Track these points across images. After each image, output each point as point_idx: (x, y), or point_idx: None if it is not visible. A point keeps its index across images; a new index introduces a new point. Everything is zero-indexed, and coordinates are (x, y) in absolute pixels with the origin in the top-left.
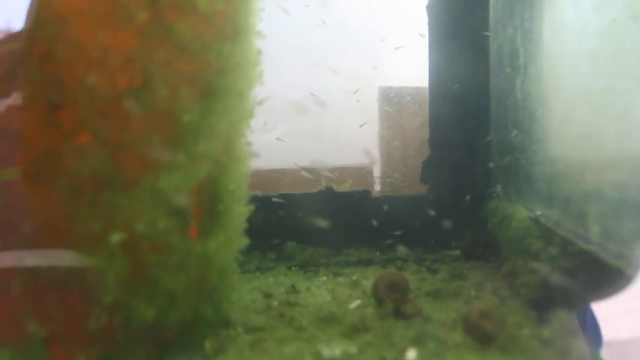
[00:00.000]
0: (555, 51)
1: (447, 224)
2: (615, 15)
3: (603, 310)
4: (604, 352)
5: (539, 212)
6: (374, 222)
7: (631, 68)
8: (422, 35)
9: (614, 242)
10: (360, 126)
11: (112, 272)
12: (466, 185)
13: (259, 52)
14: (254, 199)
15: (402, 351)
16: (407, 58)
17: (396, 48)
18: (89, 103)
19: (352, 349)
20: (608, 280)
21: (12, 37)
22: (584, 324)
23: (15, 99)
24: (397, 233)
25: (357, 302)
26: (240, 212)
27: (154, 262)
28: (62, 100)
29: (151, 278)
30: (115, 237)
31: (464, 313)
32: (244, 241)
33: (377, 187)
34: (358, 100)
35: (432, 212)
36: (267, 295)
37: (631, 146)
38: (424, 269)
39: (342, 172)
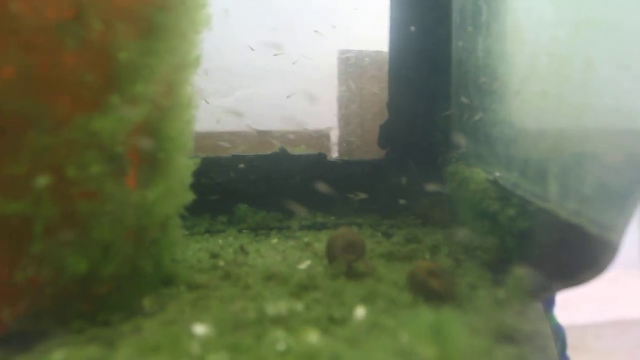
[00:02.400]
0: (519, 3)
1: (404, 188)
2: None
3: (560, 297)
4: None
5: (497, 174)
6: (329, 186)
7: (595, 16)
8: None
9: (572, 200)
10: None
11: (39, 219)
12: (425, 150)
13: None
14: (204, 161)
15: (351, 309)
16: (367, 20)
17: (355, 9)
18: (12, 33)
19: (299, 306)
20: (567, 238)
21: None
22: None
23: None
24: (353, 197)
25: (308, 262)
26: (184, 163)
27: (85, 209)
28: None
29: (83, 227)
30: (42, 181)
31: (410, 271)
32: (189, 196)
33: (335, 152)
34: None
35: (389, 177)
36: (214, 255)
37: (593, 99)
38: (380, 234)
39: (298, 135)
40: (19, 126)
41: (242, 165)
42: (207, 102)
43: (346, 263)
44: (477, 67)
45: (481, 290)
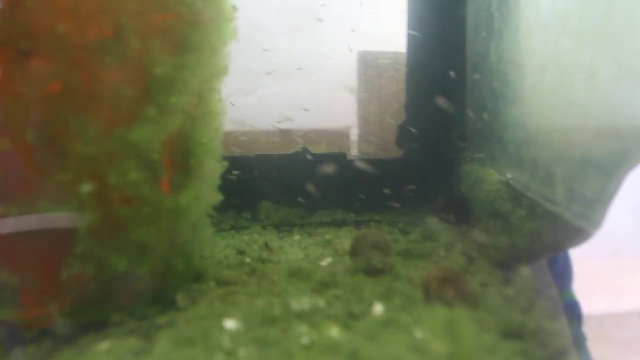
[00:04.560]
0: (528, 14)
1: (421, 186)
2: None
3: (581, 284)
4: None
5: (509, 175)
6: (349, 184)
7: (597, 29)
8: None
9: (577, 204)
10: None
11: (83, 222)
12: (441, 149)
13: (234, 8)
14: (230, 159)
15: (370, 305)
16: (385, 22)
17: (372, 13)
18: (59, 52)
19: (321, 302)
20: (570, 238)
21: None
22: (554, 263)
23: None
24: (372, 195)
25: (329, 259)
26: (213, 167)
27: (125, 213)
28: (32, 49)
29: (122, 229)
30: (86, 188)
31: (423, 279)
32: (217, 197)
33: (354, 151)
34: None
35: (406, 175)
36: (240, 252)
37: (595, 107)
38: (397, 231)
39: (319, 135)
40: (66, 137)
41: (265, 164)
42: (233, 105)
43: (369, 260)
44: (491, 71)
45: (491, 287)
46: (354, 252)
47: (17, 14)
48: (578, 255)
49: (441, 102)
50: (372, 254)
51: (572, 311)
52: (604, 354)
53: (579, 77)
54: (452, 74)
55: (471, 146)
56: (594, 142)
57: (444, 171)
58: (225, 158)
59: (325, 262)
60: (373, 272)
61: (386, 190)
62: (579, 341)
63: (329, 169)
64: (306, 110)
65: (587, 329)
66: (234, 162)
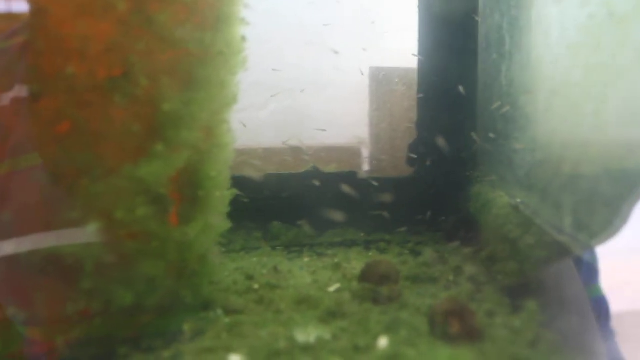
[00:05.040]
0: (539, 41)
1: (431, 206)
2: (593, 11)
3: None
4: None
5: (519, 200)
6: (359, 203)
7: (606, 62)
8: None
9: (584, 234)
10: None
11: (90, 258)
12: (451, 169)
13: (243, 39)
14: (240, 179)
15: (375, 338)
16: (397, 39)
17: (385, 32)
18: (68, 93)
19: (327, 334)
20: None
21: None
22: (580, 258)
23: (18, 91)
24: (383, 214)
25: (337, 285)
26: (221, 196)
27: (132, 248)
28: (42, 91)
29: (130, 264)
30: (94, 226)
31: (430, 311)
32: (226, 225)
33: (365, 168)
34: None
35: (417, 195)
36: (249, 277)
37: (603, 141)
38: (407, 251)
39: (330, 152)
40: (74, 175)
41: (276, 184)
42: (245, 126)
43: (377, 289)
44: (501, 94)
45: (498, 317)
46: (363, 279)
47: (28, 56)
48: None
49: (452, 121)
50: (381, 283)
51: (600, 307)
52: (622, 351)
53: (588, 110)
54: (463, 92)
55: (482, 167)
56: (602, 175)
57: (455, 191)
58: (235, 178)
59: (333, 288)
60: (381, 300)
61: (397, 210)
62: (608, 337)
63: (338, 188)
64: (323, 130)
65: None
66: (245, 182)
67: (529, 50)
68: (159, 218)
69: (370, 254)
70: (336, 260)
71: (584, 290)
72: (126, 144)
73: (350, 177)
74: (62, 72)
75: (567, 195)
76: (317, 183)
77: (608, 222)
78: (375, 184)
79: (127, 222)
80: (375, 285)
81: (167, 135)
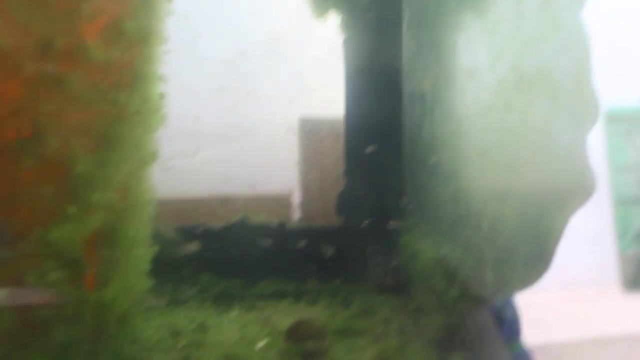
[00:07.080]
0: (457, 99)
1: (361, 256)
2: (504, 76)
3: (539, 315)
4: (539, 356)
5: (444, 252)
6: (290, 254)
7: (516, 126)
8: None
9: (505, 288)
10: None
11: (0, 324)
12: (380, 219)
13: (162, 95)
14: (166, 233)
15: None
16: (324, 90)
17: (313, 89)
18: None
19: None
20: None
21: None
22: (503, 317)
23: None
24: (313, 265)
25: (265, 340)
26: (141, 254)
27: (44, 314)
28: None
29: (44, 330)
30: (3, 292)
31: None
32: (146, 283)
33: (295, 217)
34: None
35: (347, 244)
36: (175, 334)
37: (516, 200)
38: (338, 302)
39: (260, 202)
40: None
41: (203, 235)
42: (169, 169)
43: (304, 347)
44: (424, 148)
45: None
46: (289, 337)
47: None
48: (533, 288)
49: (380, 171)
50: (307, 340)
51: None
52: None
53: (504, 172)
54: (389, 143)
55: (410, 218)
56: (516, 233)
57: (384, 241)
58: (162, 229)
59: (261, 344)
60: (307, 357)
61: (327, 260)
62: None
63: (267, 240)
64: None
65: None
66: (173, 235)
67: (449, 107)
68: (72, 282)
69: (301, 305)
70: (265, 313)
71: (505, 347)
72: (36, 207)
73: (280, 227)
74: None
75: (488, 250)
76: (246, 233)
77: (526, 277)
78: (304, 233)
79: (38, 288)
80: (302, 342)
81: (80, 197)
